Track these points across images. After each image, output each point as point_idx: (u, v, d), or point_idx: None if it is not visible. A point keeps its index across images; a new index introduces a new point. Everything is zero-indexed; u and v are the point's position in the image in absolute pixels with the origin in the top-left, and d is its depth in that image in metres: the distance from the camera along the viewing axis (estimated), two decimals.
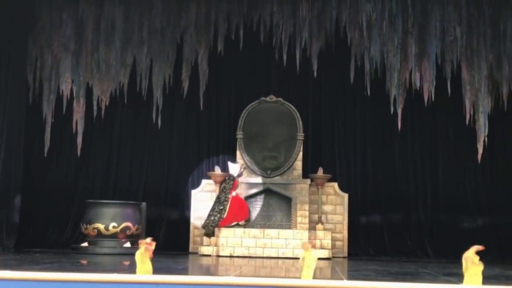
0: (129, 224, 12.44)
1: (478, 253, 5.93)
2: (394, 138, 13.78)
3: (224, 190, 13.03)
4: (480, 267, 5.86)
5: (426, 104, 12.86)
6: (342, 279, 7.85)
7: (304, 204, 13.04)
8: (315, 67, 12.96)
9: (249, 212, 13.13)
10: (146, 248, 6.32)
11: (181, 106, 13.95)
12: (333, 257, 12.40)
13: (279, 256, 12.18)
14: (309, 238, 12.03)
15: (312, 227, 12.83)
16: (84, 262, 10.16)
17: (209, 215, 12.81)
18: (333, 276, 8.87)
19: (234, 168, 13.27)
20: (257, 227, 12.87)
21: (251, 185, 13.42)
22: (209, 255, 12.18)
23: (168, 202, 13.98)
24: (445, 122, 13.84)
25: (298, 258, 10.99)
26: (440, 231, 13.54)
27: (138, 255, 6.34)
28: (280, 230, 12.56)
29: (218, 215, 12.73)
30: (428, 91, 12.76)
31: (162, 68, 13.36)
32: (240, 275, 8.03)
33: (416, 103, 13.17)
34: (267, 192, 13.47)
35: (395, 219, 13.69)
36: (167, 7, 13.22)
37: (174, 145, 14.19)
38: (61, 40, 13.36)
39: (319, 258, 11.45)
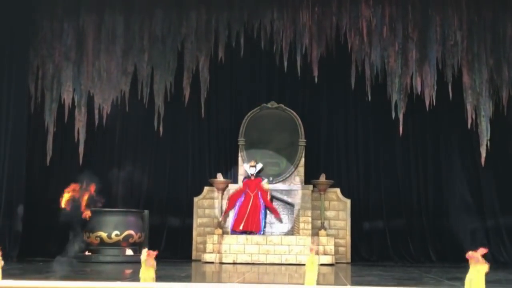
0: (131, 232, 12.44)
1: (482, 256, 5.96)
2: (396, 143, 13.78)
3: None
4: (485, 265, 5.89)
5: (427, 109, 12.88)
6: (345, 285, 7.83)
7: (306, 210, 13.02)
8: (316, 73, 13.01)
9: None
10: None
11: (183, 113, 13.95)
12: (336, 263, 12.38)
13: (282, 262, 12.16)
14: (312, 244, 12.01)
15: (315, 233, 12.81)
16: (88, 270, 10.15)
17: None
18: (337, 282, 8.84)
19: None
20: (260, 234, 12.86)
21: None
22: (212, 262, 12.16)
23: (170, 209, 13.97)
24: (446, 126, 13.83)
25: (301, 265, 11.02)
26: (443, 236, 13.53)
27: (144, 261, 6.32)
28: (283, 237, 12.56)
29: None
30: (430, 96, 12.78)
31: (163, 76, 13.39)
32: (244, 282, 8.03)
33: (417, 108, 13.18)
34: None
35: (397, 224, 13.66)
36: (167, 15, 13.27)
37: (175, 152, 14.18)
38: (62, 49, 13.40)
39: (322, 264, 11.55)
